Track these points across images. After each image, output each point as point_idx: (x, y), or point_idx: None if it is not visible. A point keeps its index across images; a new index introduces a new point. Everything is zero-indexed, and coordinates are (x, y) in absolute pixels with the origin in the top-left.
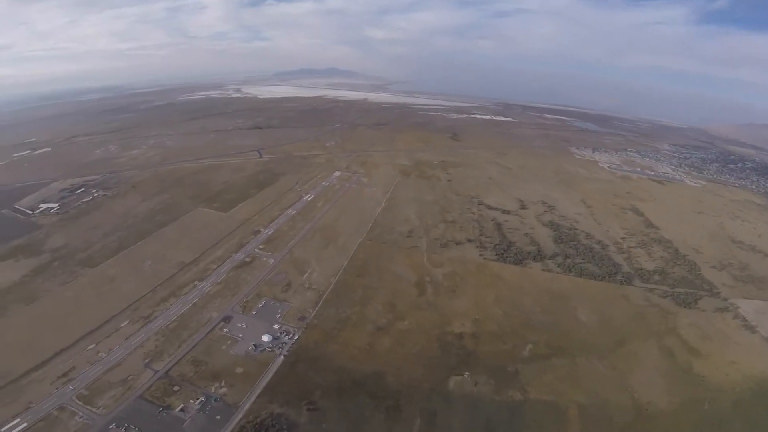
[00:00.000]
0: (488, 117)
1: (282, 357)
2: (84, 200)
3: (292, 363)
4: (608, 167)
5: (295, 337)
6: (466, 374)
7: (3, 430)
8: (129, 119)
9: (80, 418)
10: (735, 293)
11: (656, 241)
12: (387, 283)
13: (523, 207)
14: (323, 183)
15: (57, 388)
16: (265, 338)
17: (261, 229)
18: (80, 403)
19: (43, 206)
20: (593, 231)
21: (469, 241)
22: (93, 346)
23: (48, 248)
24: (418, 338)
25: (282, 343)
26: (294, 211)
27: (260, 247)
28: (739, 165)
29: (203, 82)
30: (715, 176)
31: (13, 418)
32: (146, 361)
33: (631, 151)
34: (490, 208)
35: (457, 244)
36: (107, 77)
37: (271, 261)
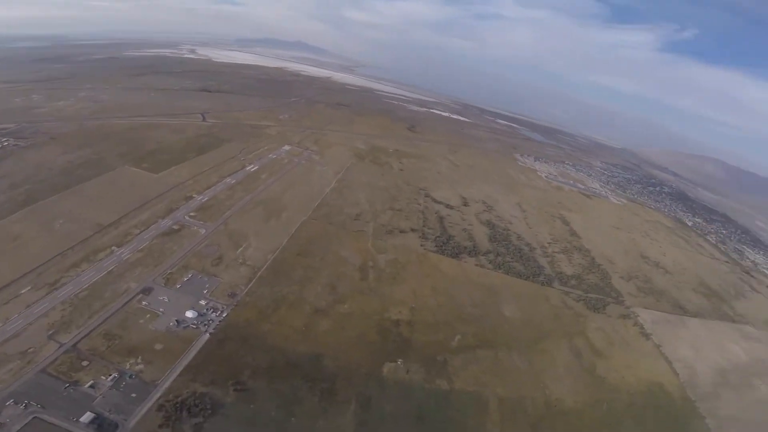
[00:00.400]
0: (446, 114)
1: (208, 335)
2: None
3: (220, 341)
4: (545, 177)
5: (224, 315)
6: (399, 361)
7: None
8: (63, 69)
9: None
10: (637, 303)
11: (577, 249)
12: (329, 264)
13: (466, 204)
14: (270, 155)
15: None
16: (190, 314)
17: (194, 196)
18: None
19: None
20: (524, 234)
21: (413, 230)
22: None
23: None
24: (357, 322)
25: (208, 320)
26: (234, 181)
27: (191, 214)
28: (658, 189)
29: (156, 39)
30: (635, 196)
31: None
32: (50, 332)
33: (568, 164)
34: (435, 201)
35: (401, 232)
36: (55, 25)
37: (203, 231)
